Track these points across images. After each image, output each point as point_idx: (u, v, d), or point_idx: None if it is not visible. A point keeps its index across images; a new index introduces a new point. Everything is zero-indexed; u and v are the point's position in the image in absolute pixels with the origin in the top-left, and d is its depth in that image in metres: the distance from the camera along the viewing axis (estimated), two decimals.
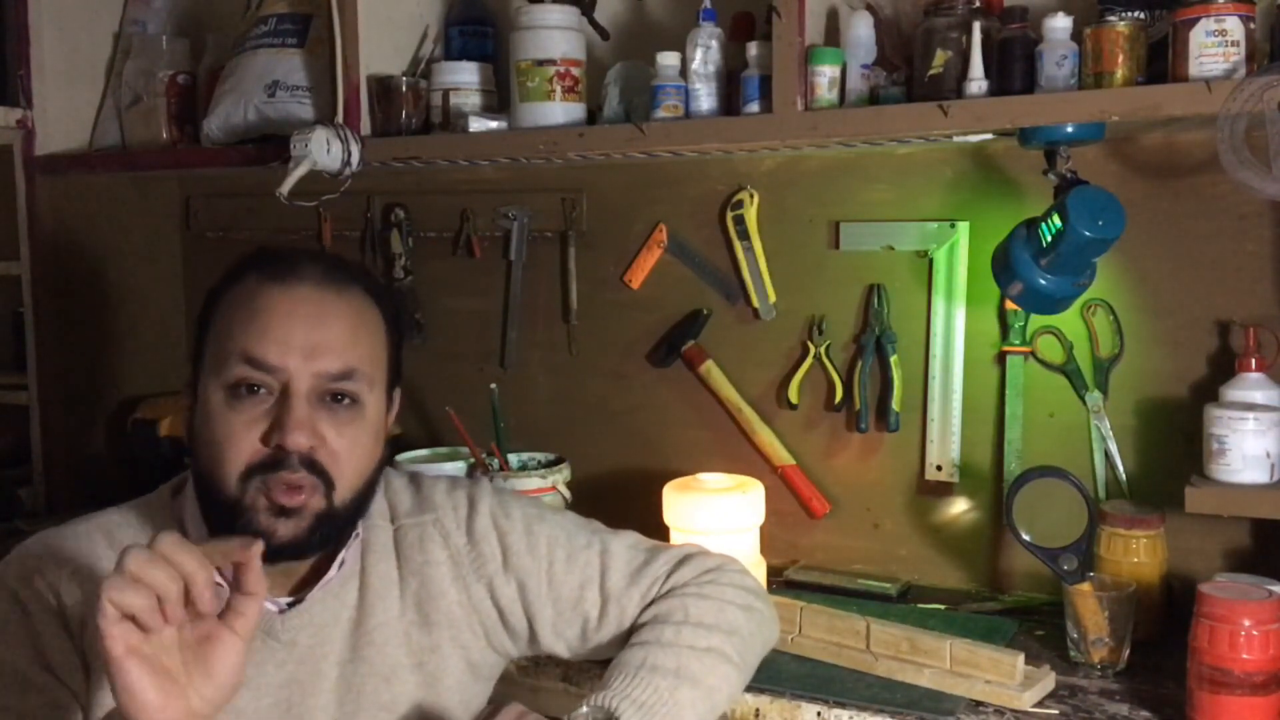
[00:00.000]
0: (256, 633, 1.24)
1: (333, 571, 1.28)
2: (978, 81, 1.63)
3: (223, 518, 1.21)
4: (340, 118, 2.05)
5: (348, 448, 1.22)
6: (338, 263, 1.30)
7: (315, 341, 1.21)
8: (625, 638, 1.34)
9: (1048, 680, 1.52)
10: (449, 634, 1.34)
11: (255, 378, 1.19)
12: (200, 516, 1.26)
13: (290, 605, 1.28)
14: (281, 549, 1.21)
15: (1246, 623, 1.35)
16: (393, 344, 1.31)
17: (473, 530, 1.37)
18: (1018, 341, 1.87)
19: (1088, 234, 1.57)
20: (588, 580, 1.36)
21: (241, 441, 1.19)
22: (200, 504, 1.26)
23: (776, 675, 1.58)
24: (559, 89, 1.91)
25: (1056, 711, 1.47)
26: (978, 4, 1.69)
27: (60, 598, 1.22)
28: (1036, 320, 1.84)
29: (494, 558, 1.36)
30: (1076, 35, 1.58)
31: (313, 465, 1.20)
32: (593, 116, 1.96)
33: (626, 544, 1.41)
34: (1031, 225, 1.67)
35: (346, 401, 1.23)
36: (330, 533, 1.24)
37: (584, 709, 1.20)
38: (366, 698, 1.28)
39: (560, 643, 1.37)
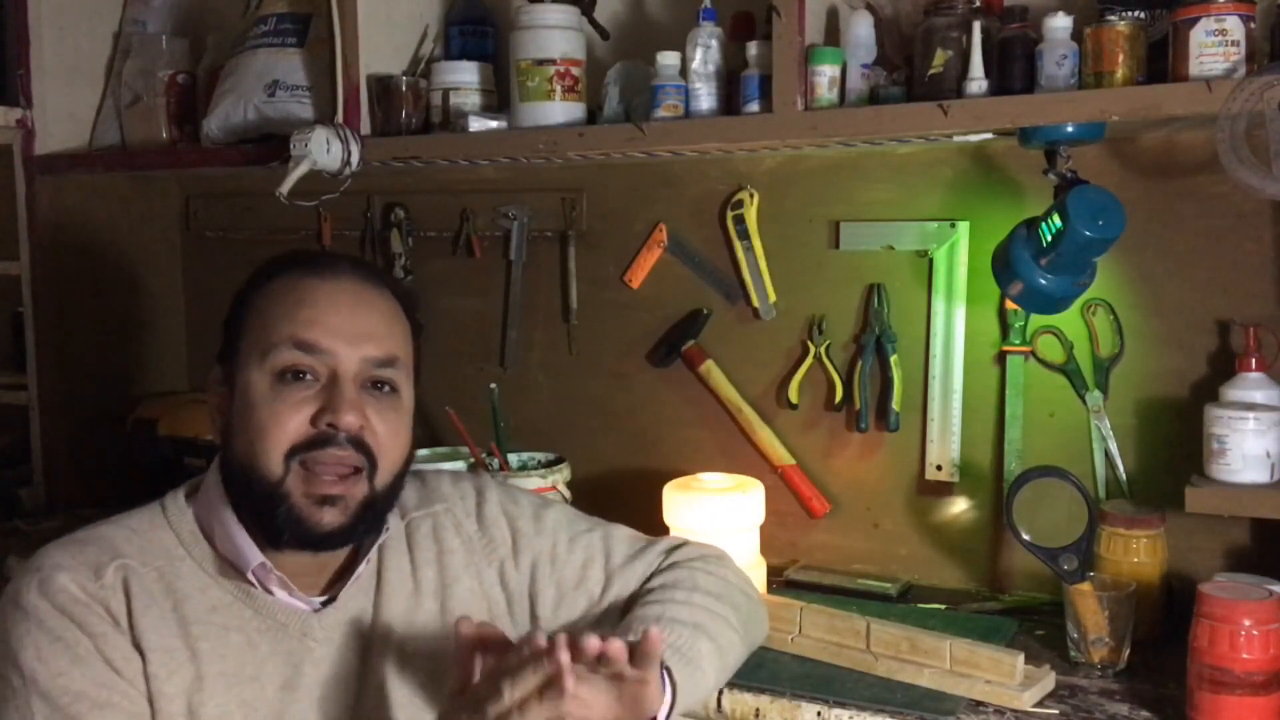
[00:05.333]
0: (294, 634, 1.25)
1: (362, 566, 1.29)
2: (978, 81, 1.63)
3: (261, 506, 1.21)
4: (340, 117, 2.05)
5: (389, 432, 1.25)
6: (368, 264, 1.35)
7: (360, 329, 1.24)
8: (626, 609, 1.36)
9: (1048, 680, 1.52)
10: None
11: (304, 362, 1.21)
12: (232, 514, 1.25)
13: (324, 605, 1.28)
14: (329, 537, 1.22)
15: (1246, 623, 1.35)
16: (417, 344, 1.34)
17: (483, 517, 1.39)
18: (1018, 341, 1.87)
19: (1088, 234, 1.57)
20: (590, 559, 1.39)
21: (288, 422, 1.20)
22: (234, 497, 1.25)
23: (776, 675, 1.58)
24: (559, 88, 1.91)
25: (1056, 711, 1.47)
26: (978, 3, 1.69)
27: (107, 604, 1.19)
28: (1036, 320, 1.84)
29: (504, 542, 1.38)
30: (1076, 35, 1.58)
31: (360, 445, 1.22)
32: (593, 116, 1.96)
33: (627, 531, 1.46)
34: (1031, 225, 1.67)
35: (387, 389, 1.26)
36: (372, 520, 1.26)
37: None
38: (389, 692, 1.29)
39: (561, 625, 1.38)
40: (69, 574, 1.19)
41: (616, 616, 1.36)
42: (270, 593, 1.25)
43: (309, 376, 1.22)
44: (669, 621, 1.27)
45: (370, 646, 1.29)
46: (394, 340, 1.28)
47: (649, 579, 1.38)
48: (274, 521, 1.20)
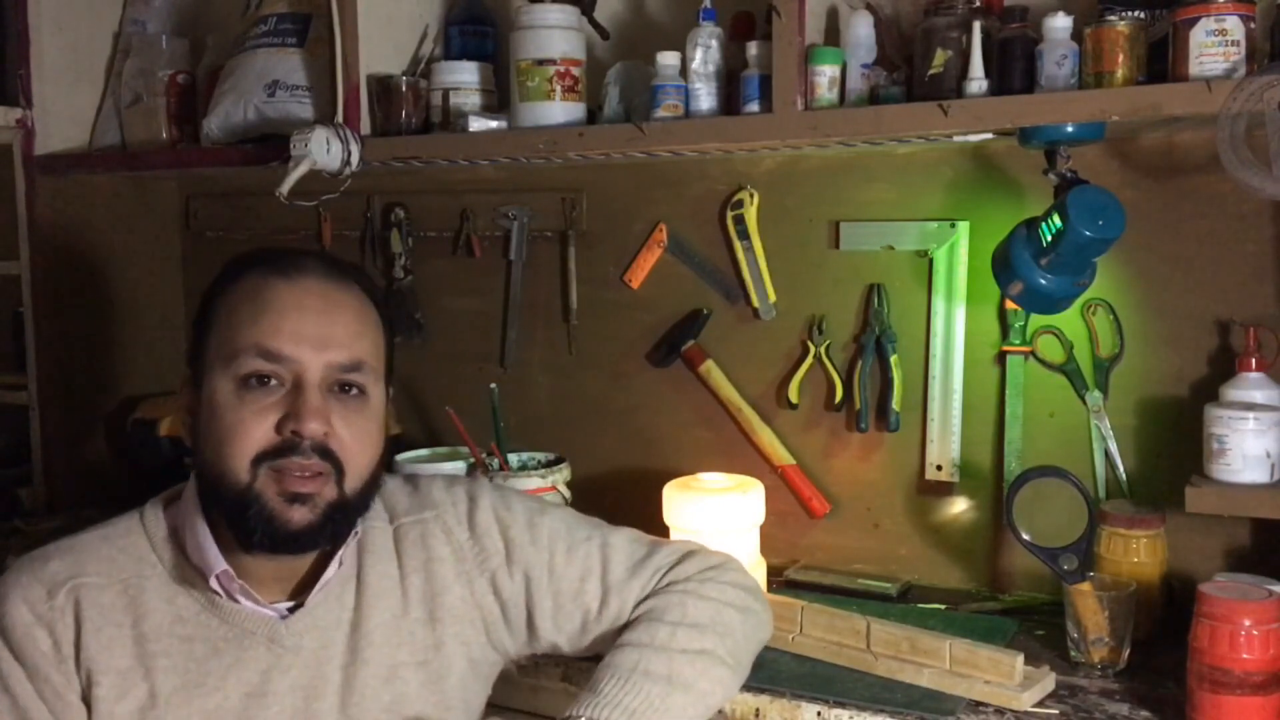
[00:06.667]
0: (261, 640, 1.24)
1: (331, 571, 1.28)
2: (978, 81, 1.63)
3: (232, 509, 1.21)
4: (340, 117, 2.05)
5: (356, 436, 1.24)
6: (335, 260, 1.32)
7: (325, 334, 1.23)
8: (623, 630, 1.34)
9: (1048, 680, 1.52)
10: (453, 630, 1.34)
11: (268, 369, 1.21)
12: (202, 521, 1.25)
13: (291, 610, 1.28)
14: (296, 536, 1.22)
15: (1246, 623, 1.35)
16: (388, 340, 1.33)
17: (475, 525, 1.37)
18: (1018, 341, 1.87)
19: (1088, 234, 1.57)
20: (588, 572, 1.37)
21: (253, 429, 1.20)
22: (206, 500, 1.25)
23: (776, 675, 1.58)
24: (559, 89, 1.91)
25: (1056, 711, 1.47)
26: (978, 3, 1.69)
27: (52, 626, 1.21)
28: (1036, 320, 1.84)
29: (497, 552, 1.36)
30: (1076, 35, 1.58)
31: (325, 452, 1.21)
32: (593, 116, 1.96)
33: (627, 538, 1.42)
34: (1031, 225, 1.67)
35: (354, 391, 1.25)
36: (341, 524, 1.25)
37: (581, 718, 1.20)
38: (369, 699, 1.29)
39: (560, 635, 1.37)
40: (23, 593, 1.21)
41: (613, 639, 1.34)
42: (236, 601, 1.25)
43: (273, 382, 1.21)
44: (641, 675, 1.25)
45: (352, 653, 1.29)
46: (362, 343, 1.26)
47: (642, 600, 1.35)
48: (245, 523, 1.20)
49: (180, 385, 1.31)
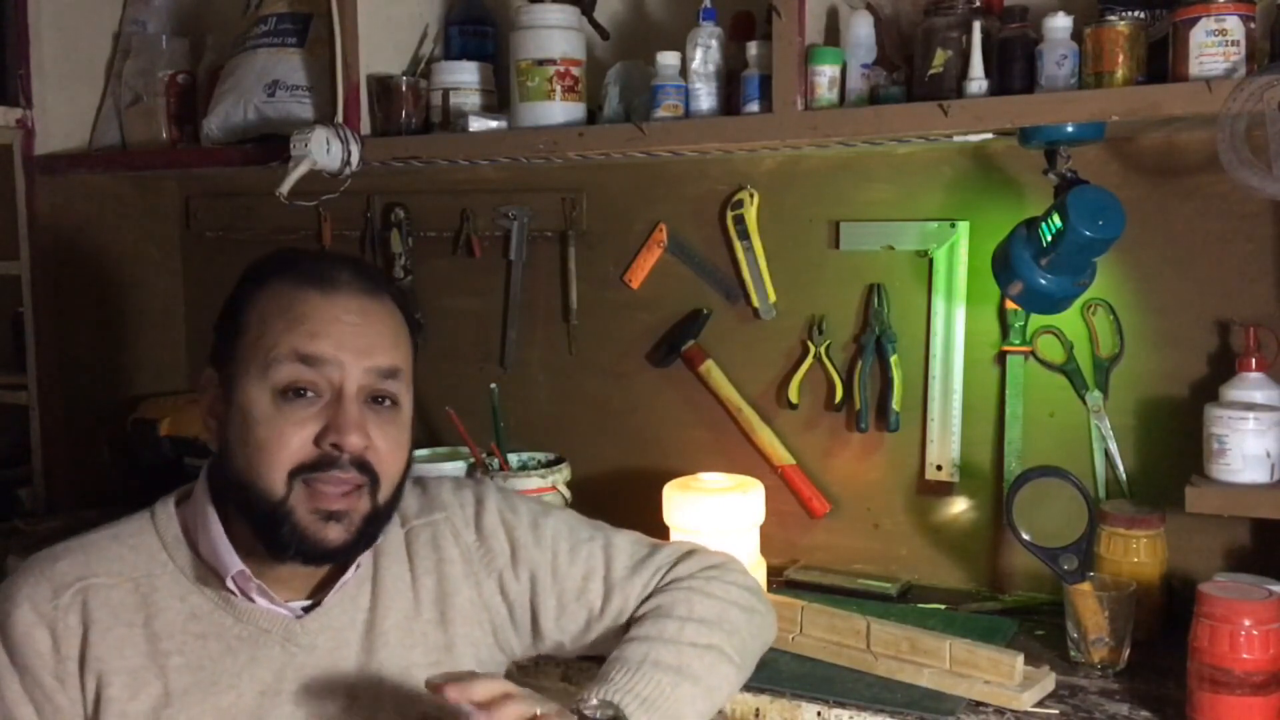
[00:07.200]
0: (277, 639, 1.24)
1: (350, 574, 1.28)
2: (978, 81, 1.63)
3: (264, 521, 1.21)
4: (340, 117, 2.05)
5: (391, 447, 1.25)
6: (367, 269, 1.33)
7: (363, 341, 1.24)
8: (626, 629, 1.35)
9: (1047, 680, 1.52)
10: (463, 631, 1.35)
11: (307, 376, 1.20)
12: (216, 521, 1.25)
13: (307, 610, 1.28)
14: (335, 553, 1.23)
15: (1246, 623, 1.35)
16: (415, 349, 1.34)
17: (482, 527, 1.38)
18: (1018, 341, 1.87)
19: (1088, 234, 1.57)
20: (591, 571, 1.38)
21: (291, 441, 1.20)
22: (225, 501, 1.25)
23: (776, 675, 1.58)
24: (559, 89, 1.91)
25: (1056, 711, 1.47)
26: (978, 3, 1.69)
27: (54, 627, 1.20)
28: (1036, 320, 1.84)
29: (503, 553, 1.37)
30: (1077, 35, 1.58)
31: (363, 465, 1.22)
32: (593, 116, 1.96)
33: (629, 539, 1.43)
34: (1031, 225, 1.67)
35: (388, 403, 1.26)
36: (374, 533, 1.26)
37: (593, 701, 1.20)
38: (383, 699, 1.29)
39: (564, 635, 1.38)
40: (29, 592, 1.21)
41: (616, 638, 1.35)
42: (251, 599, 1.25)
43: (310, 394, 1.21)
44: (651, 665, 1.25)
45: (367, 654, 1.29)
46: (398, 351, 1.27)
47: (646, 598, 1.36)
48: (278, 538, 1.20)
49: (202, 385, 1.30)
